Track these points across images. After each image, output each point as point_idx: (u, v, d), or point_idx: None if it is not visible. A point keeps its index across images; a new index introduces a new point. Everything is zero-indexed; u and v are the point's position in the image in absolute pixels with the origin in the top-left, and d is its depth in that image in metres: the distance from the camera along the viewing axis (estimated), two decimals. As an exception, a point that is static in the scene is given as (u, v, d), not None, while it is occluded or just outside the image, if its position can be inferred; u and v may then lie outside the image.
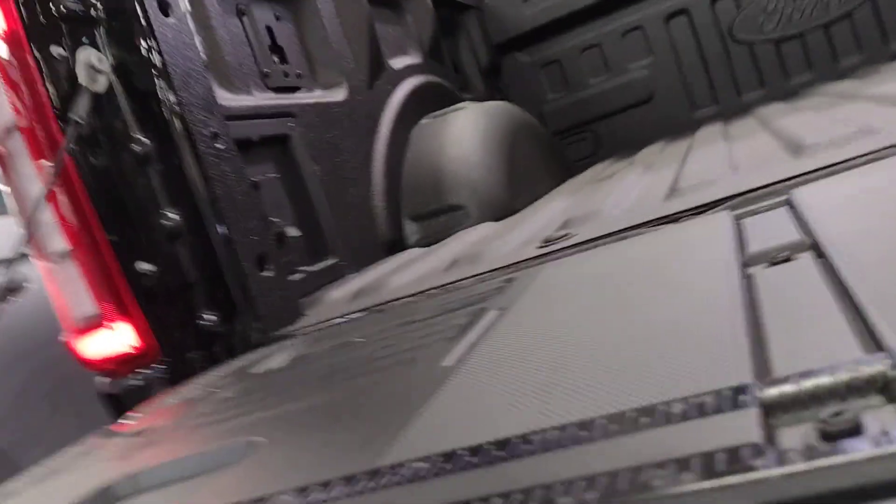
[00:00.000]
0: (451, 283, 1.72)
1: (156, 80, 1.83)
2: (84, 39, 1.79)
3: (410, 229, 2.91)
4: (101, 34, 1.81)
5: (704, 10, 4.06)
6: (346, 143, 2.76)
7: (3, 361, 2.99)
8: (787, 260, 1.00)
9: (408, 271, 2.05)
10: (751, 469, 0.53)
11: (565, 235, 1.77)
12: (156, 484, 1.00)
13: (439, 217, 2.87)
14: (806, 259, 0.98)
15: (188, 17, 2.09)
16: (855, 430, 0.55)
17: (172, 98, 1.84)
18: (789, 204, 1.27)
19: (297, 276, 2.22)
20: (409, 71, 3.39)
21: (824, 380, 0.62)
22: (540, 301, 1.23)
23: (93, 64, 1.76)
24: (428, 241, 2.78)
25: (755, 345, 0.75)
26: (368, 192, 2.84)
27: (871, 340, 0.68)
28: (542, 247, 1.75)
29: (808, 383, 0.62)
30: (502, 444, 0.71)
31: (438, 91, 3.58)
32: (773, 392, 0.63)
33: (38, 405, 2.96)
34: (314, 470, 0.81)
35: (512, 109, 3.52)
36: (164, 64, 1.83)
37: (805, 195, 1.26)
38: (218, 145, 1.90)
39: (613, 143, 4.29)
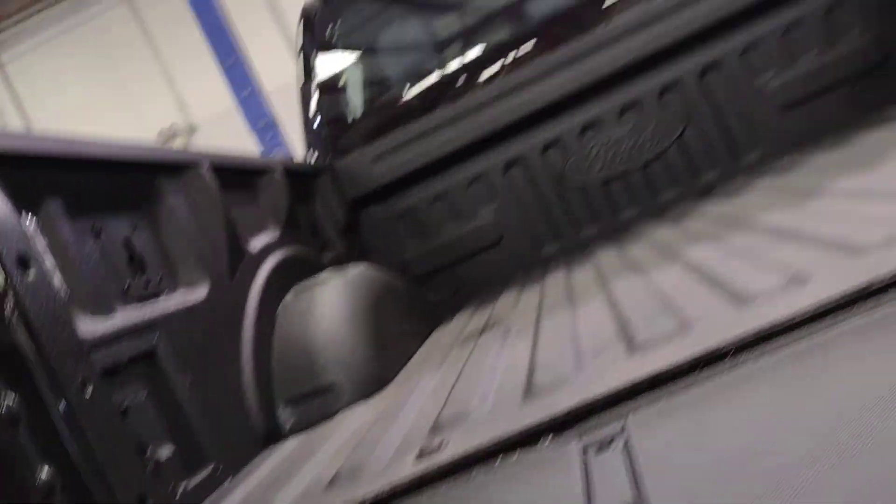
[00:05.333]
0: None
1: (18, 338, 1.84)
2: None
3: (284, 415, 2.95)
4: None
5: (536, 159, 4.44)
6: (213, 341, 2.80)
7: None
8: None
9: (288, 487, 2.10)
10: None
11: (440, 444, 1.90)
12: None
13: (313, 400, 2.94)
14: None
15: (47, 258, 2.12)
16: None
17: (37, 355, 1.85)
18: (625, 440, 1.38)
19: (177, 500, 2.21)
20: (269, 249, 3.50)
21: None
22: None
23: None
24: (303, 426, 2.84)
25: None
26: (240, 385, 2.88)
27: None
28: (420, 457, 1.86)
29: None
30: None
31: (299, 262, 3.70)
32: None
33: None
34: None
35: (373, 274, 3.68)
36: (28, 323, 1.84)
37: (640, 426, 1.40)
38: (86, 394, 1.92)
39: (472, 282, 4.53)
